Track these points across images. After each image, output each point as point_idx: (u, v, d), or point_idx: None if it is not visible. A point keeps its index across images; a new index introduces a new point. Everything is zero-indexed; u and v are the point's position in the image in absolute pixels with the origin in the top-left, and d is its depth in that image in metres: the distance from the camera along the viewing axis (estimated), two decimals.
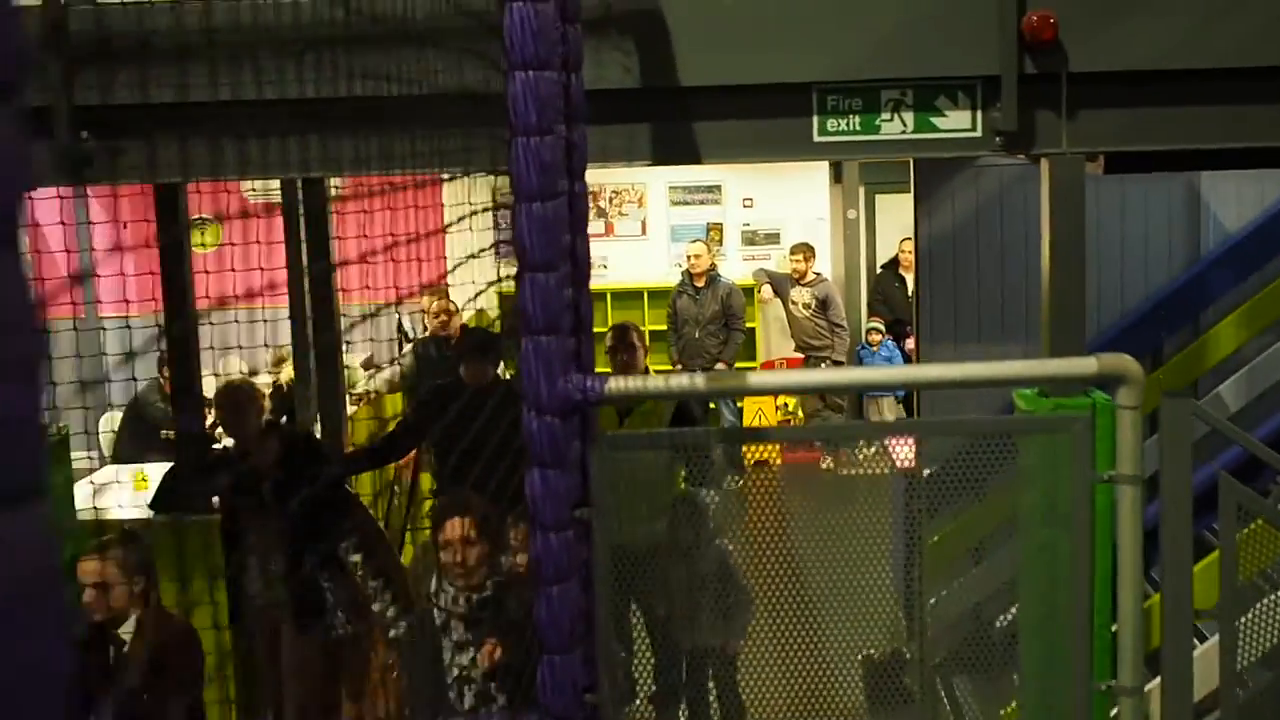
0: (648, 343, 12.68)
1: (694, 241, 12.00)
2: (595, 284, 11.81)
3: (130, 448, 10.96)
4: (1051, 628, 4.66)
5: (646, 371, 6.90)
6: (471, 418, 7.37)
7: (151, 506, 6.66)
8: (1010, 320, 6.70)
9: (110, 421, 11.48)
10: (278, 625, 6.47)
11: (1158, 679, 4.75)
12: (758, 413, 12.45)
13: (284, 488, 6.37)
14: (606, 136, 4.34)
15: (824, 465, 12.19)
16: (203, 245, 13.93)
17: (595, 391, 2.93)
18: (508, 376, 7.30)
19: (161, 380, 11.12)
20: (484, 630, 4.54)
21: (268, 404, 6.53)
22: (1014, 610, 5.53)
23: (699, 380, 2.83)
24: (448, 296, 9.63)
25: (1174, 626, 4.13)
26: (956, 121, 4.54)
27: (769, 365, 12.73)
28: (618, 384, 2.93)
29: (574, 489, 3.01)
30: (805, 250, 12.01)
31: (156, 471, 10.51)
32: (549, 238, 2.85)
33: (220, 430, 6.57)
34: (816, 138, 4.47)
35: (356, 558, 7.23)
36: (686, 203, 12.81)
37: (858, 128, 4.50)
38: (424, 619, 4.63)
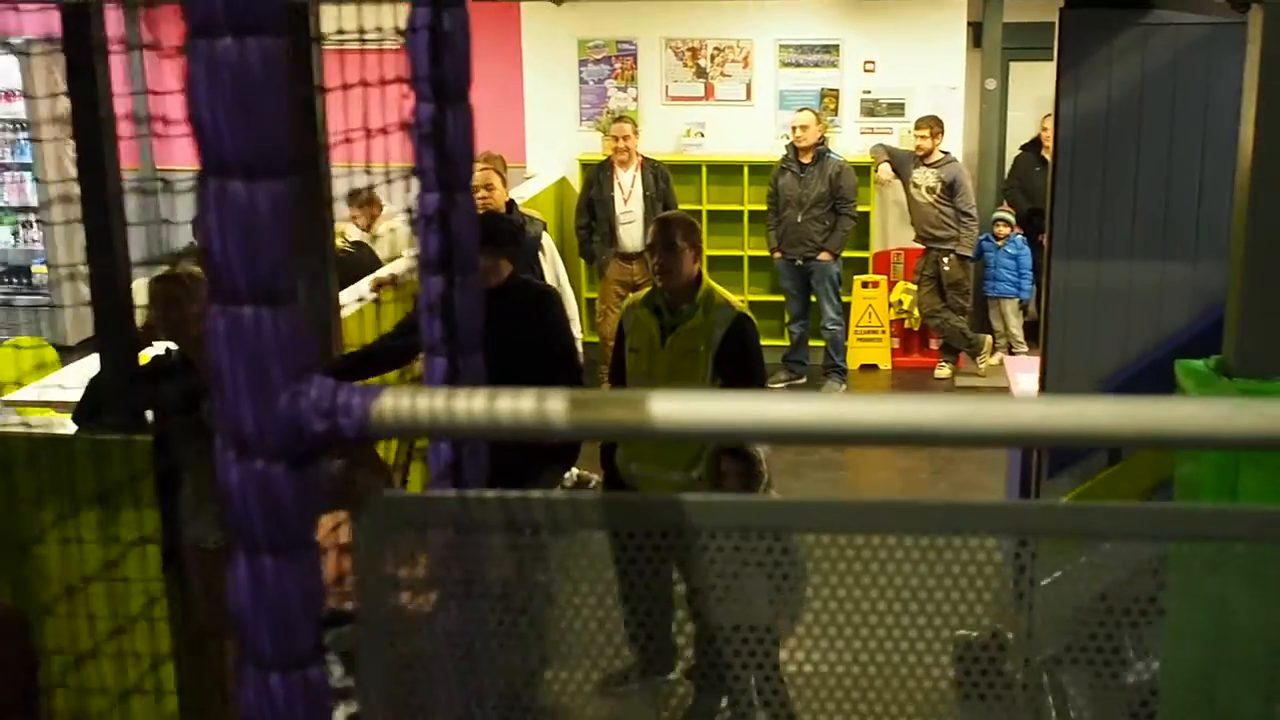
0: (745, 224, 11.18)
1: (801, 110, 10.34)
2: (690, 155, 10.31)
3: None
4: (1209, 696, 3.31)
5: (698, 280, 5.40)
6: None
7: (75, 419, 5.44)
8: (1176, 234, 5.08)
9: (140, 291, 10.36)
10: (220, 572, 5.24)
11: None
12: (867, 310, 10.87)
13: None
14: None
15: (939, 373, 10.65)
16: None
17: (354, 416, 1.48)
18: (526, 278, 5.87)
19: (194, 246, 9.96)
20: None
21: None
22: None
23: (554, 405, 1.35)
24: (498, 166, 8.15)
25: None
26: None
27: (884, 256, 11.10)
28: (397, 402, 1.48)
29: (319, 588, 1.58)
30: (932, 125, 10.32)
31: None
32: (249, 104, 1.40)
33: (157, 331, 5.27)
34: None
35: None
36: (799, 64, 11.08)
37: None
38: None
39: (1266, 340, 3.53)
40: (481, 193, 7.57)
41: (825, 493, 8.35)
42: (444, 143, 2.12)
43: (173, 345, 5.23)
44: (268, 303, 1.45)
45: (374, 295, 7.49)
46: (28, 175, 12.64)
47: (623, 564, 6.16)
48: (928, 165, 10.31)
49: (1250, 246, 3.51)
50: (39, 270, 12.82)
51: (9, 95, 12.47)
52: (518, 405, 1.47)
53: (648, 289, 5.62)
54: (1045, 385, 5.39)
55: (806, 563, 5.40)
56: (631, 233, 9.79)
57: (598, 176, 10.08)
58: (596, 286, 10.38)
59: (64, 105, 4.99)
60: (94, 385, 5.31)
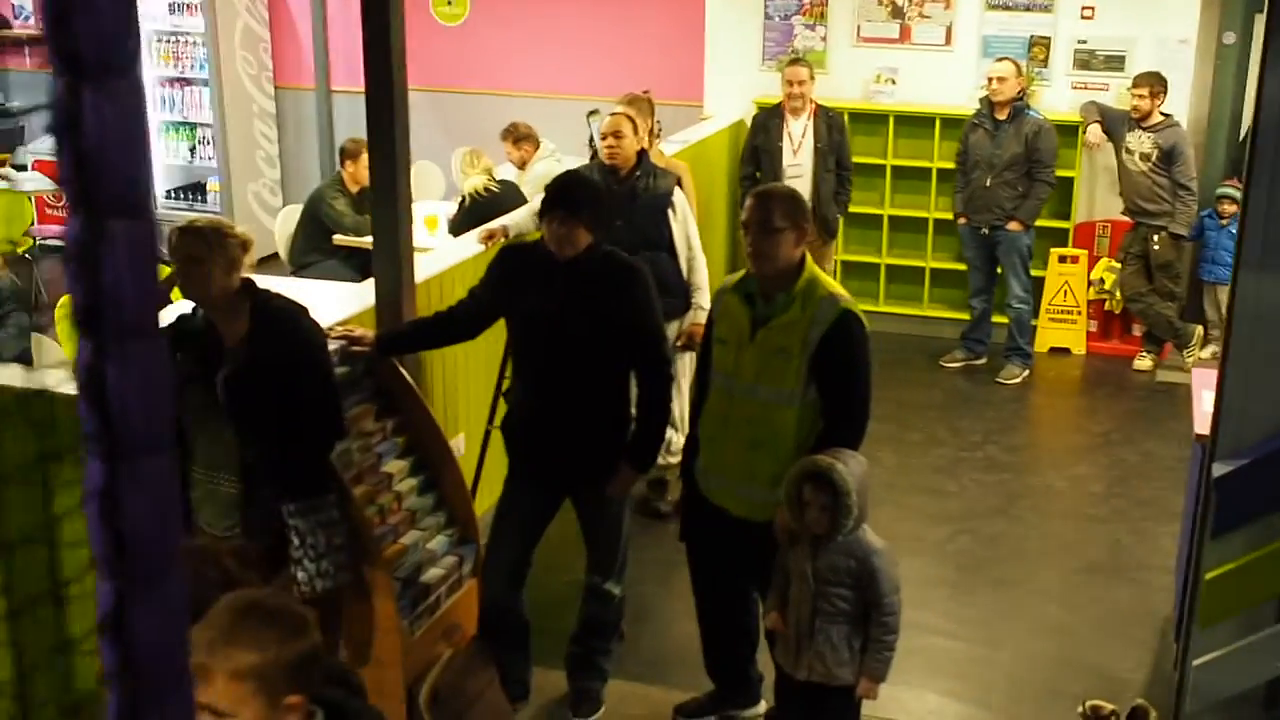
0: (934, 184, 10.03)
1: (999, 60, 9.16)
2: (878, 104, 9.22)
3: (303, 251, 9.36)
4: None
5: (799, 266, 4.50)
6: (546, 303, 5.16)
7: None
8: None
9: (286, 218, 9.90)
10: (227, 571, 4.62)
11: None
12: (1062, 288, 9.70)
13: (243, 380, 4.45)
14: None
15: (1138, 364, 9.45)
16: (450, 15, 12.08)
17: None
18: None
19: (343, 174, 9.42)
20: None
21: (246, 254, 4.52)
22: None
23: None
24: (640, 109, 7.27)
25: None
26: None
27: (1087, 228, 9.86)
28: None
29: None
30: (1153, 82, 9.03)
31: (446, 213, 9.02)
32: None
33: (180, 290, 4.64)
34: None
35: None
36: (1007, 7, 9.83)
37: None
38: None
39: None
40: (610, 140, 6.73)
41: (980, 500, 7.34)
42: (79, 140, 1.32)
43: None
44: None
45: (483, 247, 6.78)
46: (206, 91, 12.39)
47: (701, 585, 5.13)
48: (1144, 129, 9.05)
49: None
50: (213, 188, 12.64)
51: (189, 9, 12.24)
52: None
53: (742, 272, 4.74)
54: (1219, 425, 4.34)
55: (897, 610, 4.44)
56: (798, 188, 8.83)
57: (765, 123, 9.14)
58: None
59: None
60: None
